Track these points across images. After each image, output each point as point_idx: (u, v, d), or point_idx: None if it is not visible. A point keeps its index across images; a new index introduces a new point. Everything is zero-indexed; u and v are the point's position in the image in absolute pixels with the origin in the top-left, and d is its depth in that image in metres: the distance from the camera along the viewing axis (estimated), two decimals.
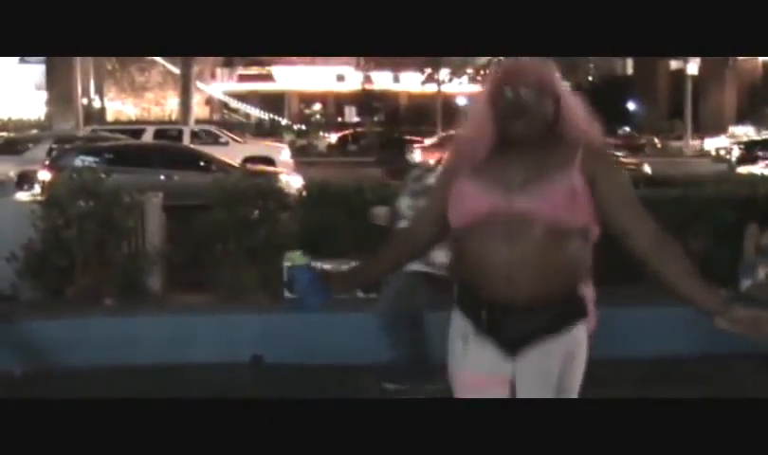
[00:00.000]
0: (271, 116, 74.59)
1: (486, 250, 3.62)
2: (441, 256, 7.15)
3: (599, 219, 3.64)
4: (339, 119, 78.46)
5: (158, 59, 72.43)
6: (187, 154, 25.95)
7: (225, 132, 38.77)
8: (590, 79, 71.94)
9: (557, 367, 3.65)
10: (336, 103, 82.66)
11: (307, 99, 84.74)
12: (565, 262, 3.62)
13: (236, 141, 36.92)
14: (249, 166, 26.97)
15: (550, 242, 3.56)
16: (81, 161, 21.97)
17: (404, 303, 7.60)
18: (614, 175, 3.68)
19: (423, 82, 65.70)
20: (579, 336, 3.70)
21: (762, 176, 17.07)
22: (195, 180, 20.09)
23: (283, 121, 73.74)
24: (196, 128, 38.63)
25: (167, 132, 35.02)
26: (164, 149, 26.73)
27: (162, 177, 21.85)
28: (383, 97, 78.47)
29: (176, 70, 58.05)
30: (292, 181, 20.23)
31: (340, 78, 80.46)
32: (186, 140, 33.20)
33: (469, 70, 63.67)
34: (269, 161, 32.50)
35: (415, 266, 7.15)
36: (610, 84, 74.96)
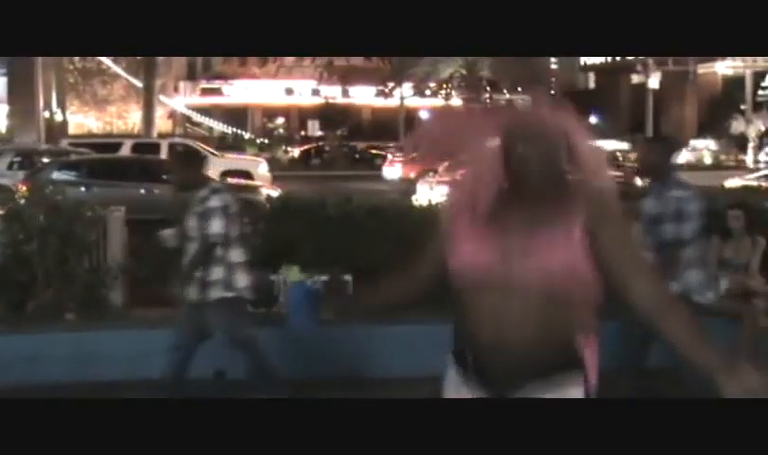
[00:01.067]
0: (234, 129, 74.39)
1: (479, 308, 3.54)
2: (242, 280, 7.49)
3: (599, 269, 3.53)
4: (302, 133, 78.33)
5: (121, 72, 72.12)
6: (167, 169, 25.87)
7: (203, 146, 38.52)
8: (552, 92, 72.31)
9: None
10: (299, 117, 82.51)
11: (270, 112, 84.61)
12: (561, 324, 3.52)
13: (214, 155, 36.62)
14: (229, 180, 26.91)
15: (545, 308, 3.47)
16: (59, 175, 22.05)
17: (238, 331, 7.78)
18: (616, 228, 3.57)
19: (381, 95, 65.69)
20: (570, 391, 3.56)
21: (722, 189, 17.19)
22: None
23: (246, 135, 73.57)
24: (174, 141, 38.26)
25: (144, 145, 34.87)
26: (144, 163, 26.69)
27: (142, 191, 21.82)
28: (346, 110, 78.43)
29: (139, 84, 57.84)
30: (272, 194, 20.32)
31: (302, 92, 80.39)
32: (164, 154, 32.75)
33: (432, 84, 63.82)
34: (247, 175, 33.32)
35: (218, 293, 7.44)
36: (572, 98, 75.16)
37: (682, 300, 6.71)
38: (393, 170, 46.02)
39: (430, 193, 22.20)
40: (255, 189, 23.15)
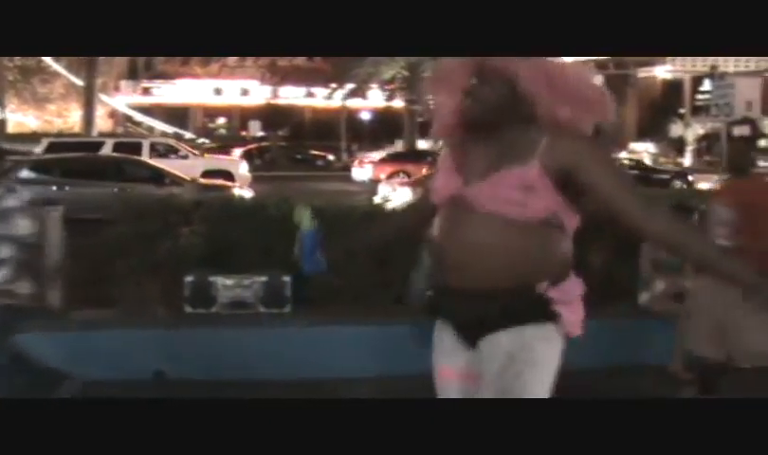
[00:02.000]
0: (175, 129, 73.96)
1: (442, 235, 3.74)
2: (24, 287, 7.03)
3: (581, 207, 3.63)
4: (244, 133, 78.13)
5: (62, 70, 71.46)
6: (141, 168, 25.75)
7: (183, 145, 39.76)
8: None
9: (496, 364, 3.59)
10: (240, 117, 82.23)
11: (212, 112, 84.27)
12: (515, 254, 3.56)
13: (194, 155, 37.63)
14: (204, 180, 27.07)
15: (497, 233, 3.56)
16: (29, 174, 21.99)
17: None
18: (594, 159, 3.57)
19: (327, 97, 65.68)
20: (529, 338, 3.58)
21: (661, 192, 17.33)
22: (149, 194, 19.99)
23: (187, 135, 73.20)
24: (156, 141, 38.98)
25: (126, 144, 34.82)
26: (117, 162, 26.60)
27: (116, 191, 21.74)
28: (288, 111, 78.28)
29: (80, 82, 57.35)
30: (245, 195, 20.28)
31: (245, 92, 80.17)
32: (145, 153, 33.18)
33: (374, 85, 63.86)
34: (228, 175, 33.69)
35: None
36: None
37: None
38: (362, 171, 46.35)
39: (392, 194, 22.15)
40: (228, 189, 23.10)
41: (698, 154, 68.84)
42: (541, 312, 3.62)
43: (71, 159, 26.49)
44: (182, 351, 8.69)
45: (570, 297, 3.68)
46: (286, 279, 9.34)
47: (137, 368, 8.52)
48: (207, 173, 32.74)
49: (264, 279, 9.32)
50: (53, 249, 10.06)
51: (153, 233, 9.91)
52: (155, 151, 34.84)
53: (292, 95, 77.84)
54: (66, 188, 22.31)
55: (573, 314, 3.68)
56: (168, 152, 35.76)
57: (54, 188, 21.95)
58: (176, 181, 23.59)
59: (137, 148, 34.03)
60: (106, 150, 33.16)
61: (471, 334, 3.69)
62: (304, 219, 4.06)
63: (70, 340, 8.94)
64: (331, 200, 11.82)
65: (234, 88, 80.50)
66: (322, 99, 68.78)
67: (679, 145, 67.97)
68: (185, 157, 35.67)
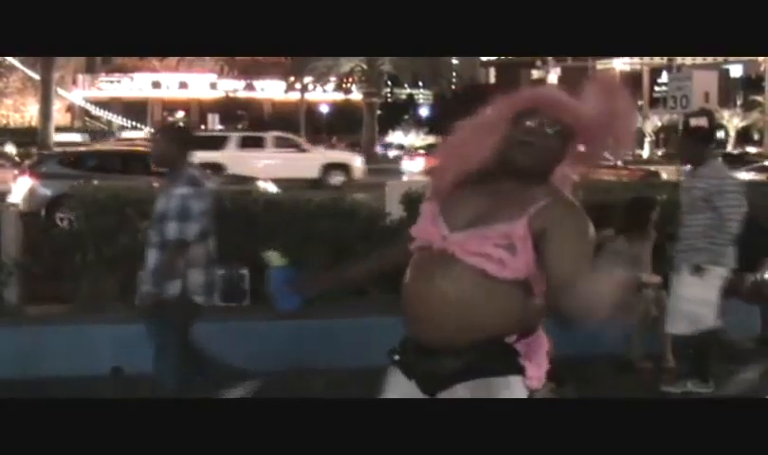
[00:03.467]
0: (133, 123, 73.65)
1: (415, 285, 3.52)
2: None
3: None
4: (203, 127, 77.98)
5: (18, 64, 71.02)
6: None
7: (303, 140, 43.04)
8: (453, 87, 72.65)
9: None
10: (199, 111, 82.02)
11: (170, 106, 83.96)
12: (488, 310, 3.42)
13: (313, 149, 40.80)
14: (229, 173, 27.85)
15: (472, 287, 3.40)
16: (59, 169, 21.87)
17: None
18: (567, 231, 3.39)
19: (286, 90, 65.56)
20: (494, 390, 3.46)
21: (618, 182, 17.40)
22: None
23: (145, 129, 72.93)
24: (278, 135, 40.58)
25: (251, 138, 38.05)
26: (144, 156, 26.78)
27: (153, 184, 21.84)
28: (246, 104, 78.13)
29: (36, 76, 57.01)
30: (270, 189, 20.20)
31: (213, 86, 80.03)
32: (269, 147, 36.09)
33: (333, 78, 63.85)
34: (346, 167, 37.91)
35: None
36: (473, 92, 75.74)
37: (183, 301, 6.84)
38: (413, 163, 47.14)
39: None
40: (253, 181, 23.02)
41: (656, 145, 69.31)
42: (508, 364, 3.49)
43: (104, 153, 26.54)
44: (140, 346, 8.63)
45: (536, 351, 3.57)
46: (244, 272, 9.32)
47: (95, 364, 8.48)
48: (327, 167, 37.30)
49: (221, 272, 9.29)
50: (10, 246, 10.02)
51: (110, 228, 9.86)
52: (277, 144, 37.57)
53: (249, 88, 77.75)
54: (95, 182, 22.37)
55: (538, 369, 3.56)
56: (289, 145, 38.42)
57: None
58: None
59: (259, 141, 37.17)
60: (231, 144, 35.96)
61: (433, 386, 3.53)
62: (273, 258, 4.05)
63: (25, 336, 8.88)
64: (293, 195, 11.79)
65: (193, 82, 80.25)
66: (281, 92, 68.62)
67: (637, 137, 68.29)
68: (305, 151, 38.71)
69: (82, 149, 28.16)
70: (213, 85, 78.38)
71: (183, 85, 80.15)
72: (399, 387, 3.61)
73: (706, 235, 8.13)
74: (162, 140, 7.11)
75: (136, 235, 9.79)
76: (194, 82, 80.00)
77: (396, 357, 3.62)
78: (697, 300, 8.19)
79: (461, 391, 3.45)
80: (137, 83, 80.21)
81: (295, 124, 65.60)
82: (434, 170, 3.71)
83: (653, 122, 71.91)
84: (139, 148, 27.26)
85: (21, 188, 21.28)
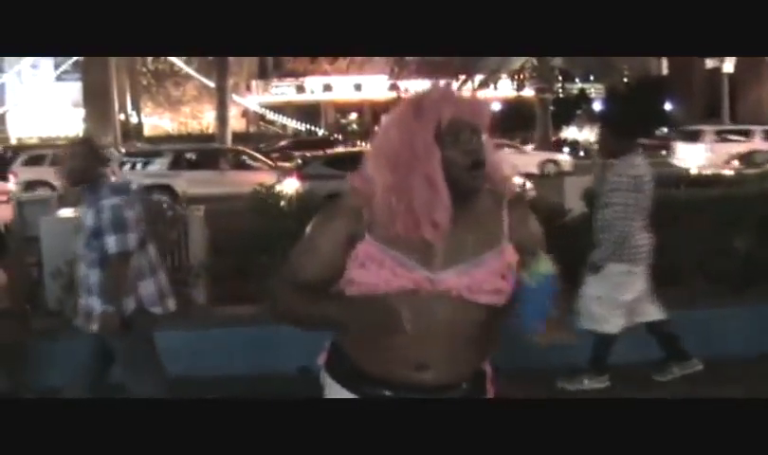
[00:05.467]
0: (308, 126, 74.61)
1: (414, 328, 3.16)
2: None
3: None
4: (376, 128, 78.46)
5: (193, 73, 72.74)
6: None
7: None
8: (625, 80, 71.67)
9: None
10: (372, 112, 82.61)
11: (343, 108, 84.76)
12: (482, 341, 3.36)
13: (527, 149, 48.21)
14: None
15: (471, 324, 3.29)
16: (323, 170, 23.08)
17: None
18: (534, 231, 3.42)
19: (458, 88, 65.62)
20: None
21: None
22: None
23: (320, 132, 73.81)
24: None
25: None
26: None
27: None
28: None
29: (211, 84, 58.26)
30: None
31: (393, 87, 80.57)
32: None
33: (504, 74, 63.58)
34: (557, 163, 44.32)
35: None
36: (645, 85, 74.48)
37: (140, 314, 6.65)
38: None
39: None
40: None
41: None
42: (483, 391, 3.51)
43: (357, 155, 28.08)
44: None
45: (489, 371, 3.56)
46: None
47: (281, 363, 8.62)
48: (542, 163, 43.14)
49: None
50: (197, 248, 10.28)
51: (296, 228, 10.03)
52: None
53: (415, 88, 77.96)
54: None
55: (492, 387, 3.55)
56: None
57: None
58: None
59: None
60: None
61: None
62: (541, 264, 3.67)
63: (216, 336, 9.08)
64: None
65: (364, 83, 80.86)
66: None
67: None
68: (523, 152, 45.26)
69: (342, 151, 29.90)
70: (393, 86, 78.93)
71: (356, 88, 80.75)
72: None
73: (603, 231, 8.08)
74: (78, 155, 6.81)
75: None
76: (366, 84, 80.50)
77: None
78: (593, 297, 8.09)
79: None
80: (309, 87, 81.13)
81: None
82: (398, 224, 3.21)
83: None
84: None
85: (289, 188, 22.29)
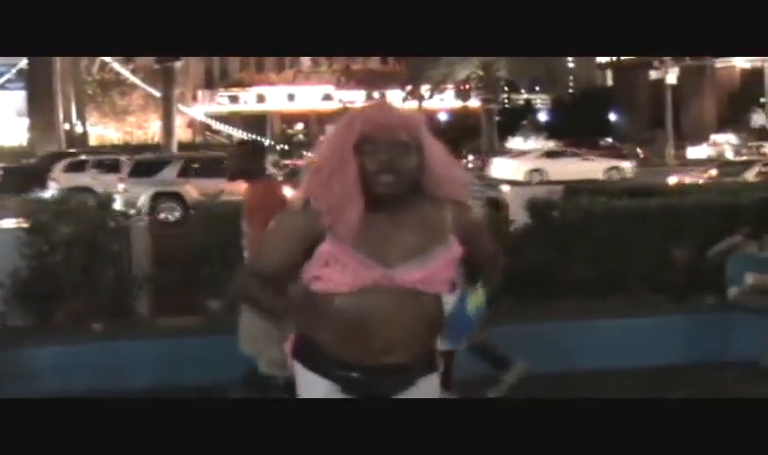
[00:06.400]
0: (253, 136, 74.51)
1: (362, 319, 3.57)
2: None
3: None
4: (322, 138, 78.47)
5: (139, 82, 72.35)
6: None
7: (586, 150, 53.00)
8: (570, 91, 72.11)
9: None
10: (318, 122, 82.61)
11: (289, 119, 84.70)
12: (436, 323, 3.73)
13: (592, 158, 50.05)
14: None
15: (425, 310, 3.65)
16: None
17: None
18: (479, 231, 3.98)
19: (404, 99, 65.67)
20: (429, 390, 3.77)
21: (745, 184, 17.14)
22: None
23: (266, 142, 73.72)
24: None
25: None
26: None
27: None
28: None
29: (157, 93, 58.03)
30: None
31: (326, 97, 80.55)
32: None
33: (450, 85, 63.80)
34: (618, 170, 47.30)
35: None
36: (590, 96, 75.03)
37: None
38: None
39: None
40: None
41: None
42: (434, 365, 3.83)
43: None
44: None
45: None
46: None
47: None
48: (607, 170, 46.55)
49: None
50: (141, 259, 10.21)
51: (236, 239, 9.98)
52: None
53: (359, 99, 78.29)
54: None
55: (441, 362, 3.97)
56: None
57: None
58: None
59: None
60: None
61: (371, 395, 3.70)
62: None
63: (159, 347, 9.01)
64: None
65: (311, 94, 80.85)
66: (399, 101, 68.85)
67: (762, 135, 67.03)
68: (588, 160, 48.64)
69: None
70: (328, 97, 78.75)
71: (299, 98, 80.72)
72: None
73: None
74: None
75: None
76: (311, 95, 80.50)
77: (355, 376, 3.67)
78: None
79: (413, 390, 3.71)
80: (254, 97, 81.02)
81: None
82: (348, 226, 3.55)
83: None
84: None
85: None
